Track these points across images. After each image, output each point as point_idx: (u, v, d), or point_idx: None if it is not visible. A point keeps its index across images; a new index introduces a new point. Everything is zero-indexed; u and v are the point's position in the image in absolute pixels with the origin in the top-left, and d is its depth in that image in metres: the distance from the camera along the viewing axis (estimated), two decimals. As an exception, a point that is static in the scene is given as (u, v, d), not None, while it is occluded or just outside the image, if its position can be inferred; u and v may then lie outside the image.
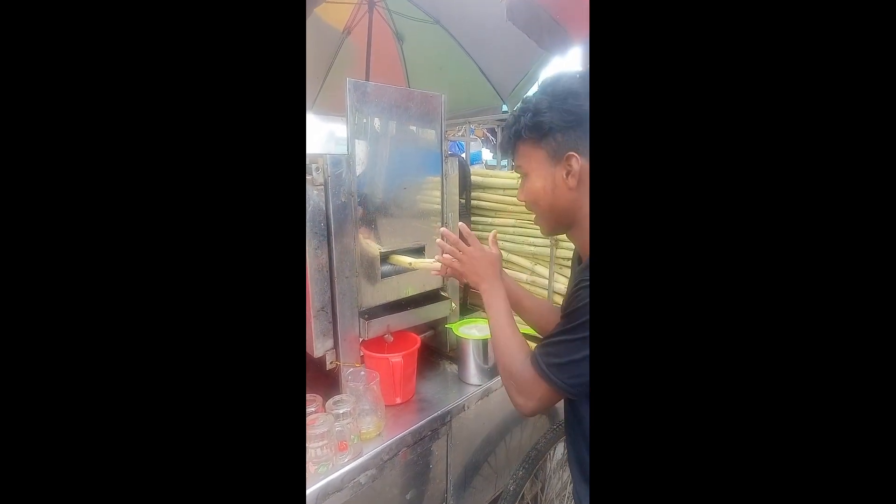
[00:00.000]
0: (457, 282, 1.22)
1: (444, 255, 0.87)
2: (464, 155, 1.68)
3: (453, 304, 1.24)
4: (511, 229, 1.39)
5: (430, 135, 1.12)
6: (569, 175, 0.70)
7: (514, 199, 1.36)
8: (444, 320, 1.26)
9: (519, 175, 0.78)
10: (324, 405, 0.91)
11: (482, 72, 2.76)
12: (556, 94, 0.70)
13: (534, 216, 0.80)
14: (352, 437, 0.88)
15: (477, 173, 1.48)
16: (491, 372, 1.17)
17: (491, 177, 1.45)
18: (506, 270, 1.36)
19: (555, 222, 0.77)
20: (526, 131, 0.72)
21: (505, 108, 2.86)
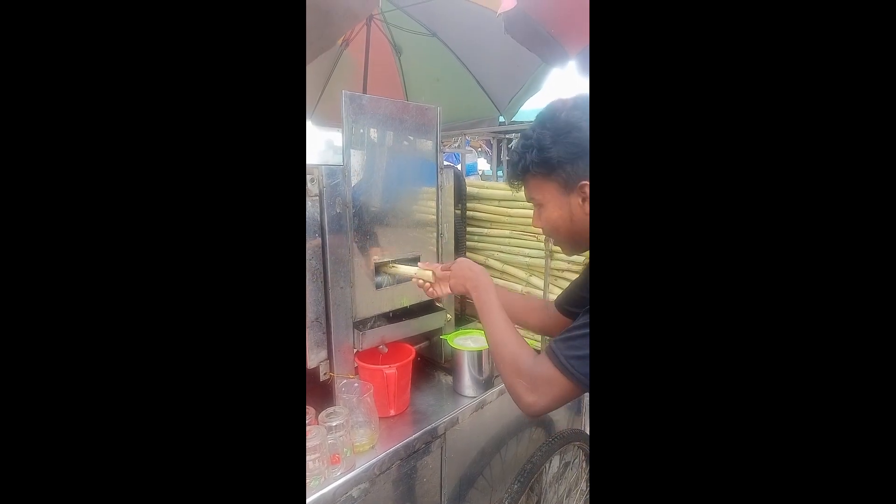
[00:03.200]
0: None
1: (427, 284, 0.95)
2: (459, 166, 1.68)
3: (448, 315, 1.24)
4: (506, 240, 1.39)
5: (426, 146, 1.13)
6: (584, 201, 0.72)
7: (509, 209, 1.37)
8: (439, 331, 1.25)
9: (531, 202, 0.80)
10: (317, 417, 0.90)
11: (479, 84, 2.78)
12: (559, 128, 0.71)
13: (552, 240, 0.85)
14: (345, 449, 0.87)
15: (472, 184, 1.49)
16: (486, 384, 1.17)
17: (486, 188, 1.46)
18: (500, 281, 1.37)
19: (575, 245, 0.80)
20: (534, 167, 0.74)
21: (502, 119, 2.89)
